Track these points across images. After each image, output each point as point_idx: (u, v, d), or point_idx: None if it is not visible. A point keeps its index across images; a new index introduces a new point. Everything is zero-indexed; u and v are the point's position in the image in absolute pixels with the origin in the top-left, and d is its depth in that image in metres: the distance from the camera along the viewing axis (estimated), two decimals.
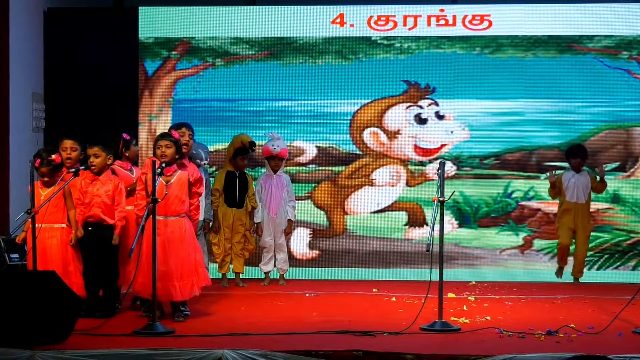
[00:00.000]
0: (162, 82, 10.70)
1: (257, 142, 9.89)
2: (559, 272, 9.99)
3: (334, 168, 10.60)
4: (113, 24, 10.79)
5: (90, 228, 7.70)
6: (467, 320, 7.57)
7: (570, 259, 9.94)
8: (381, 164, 10.57)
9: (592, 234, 9.97)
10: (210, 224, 9.48)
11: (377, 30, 10.51)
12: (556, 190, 9.89)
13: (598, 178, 9.85)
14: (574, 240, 9.85)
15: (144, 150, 10.32)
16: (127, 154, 8.31)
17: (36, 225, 7.30)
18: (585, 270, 9.97)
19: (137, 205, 7.58)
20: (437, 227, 7.34)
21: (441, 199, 7.30)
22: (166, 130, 8.03)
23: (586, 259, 9.98)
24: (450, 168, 10.35)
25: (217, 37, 10.64)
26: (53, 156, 7.61)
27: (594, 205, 10.06)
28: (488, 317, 7.77)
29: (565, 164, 10.10)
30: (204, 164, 9.24)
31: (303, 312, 8.09)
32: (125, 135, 8.28)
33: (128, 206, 7.82)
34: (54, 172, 7.61)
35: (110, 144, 7.93)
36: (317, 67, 10.59)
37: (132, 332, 6.93)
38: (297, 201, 9.99)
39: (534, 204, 10.44)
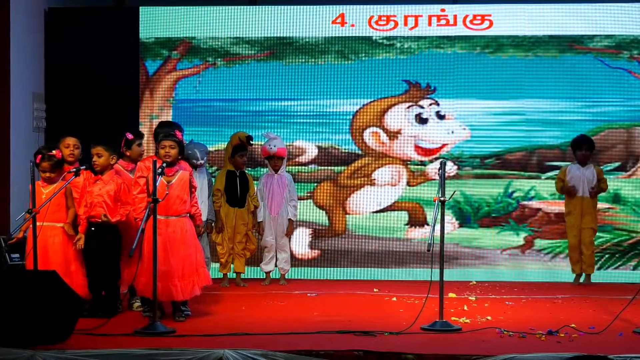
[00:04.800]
0: (162, 82, 10.70)
1: (257, 143, 9.91)
2: (575, 280, 9.93)
3: (334, 168, 10.61)
4: (114, 24, 10.79)
5: (93, 228, 7.71)
6: (467, 320, 7.57)
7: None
8: (382, 163, 10.58)
9: None
10: (213, 224, 9.48)
11: (378, 30, 10.51)
12: (561, 184, 9.83)
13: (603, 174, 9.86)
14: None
15: (145, 150, 10.30)
16: (128, 154, 8.26)
17: (38, 223, 7.33)
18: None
19: (136, 210, 7.59)
20: (437, 227, 7.34)
21: (442, 198, 7.30)
22: (168, 129, 7.98)
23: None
24: (451, 168, 10.35)
25: (218, 37, 10.65)
26: (54, 151, 7.64)
27: None
28: (489, 317, 7.77)
29: (566, 163, 10.09)
30: (200, 164, 9.16)
31: (304, 312, 8.10)
32: (128, 135, 8.25)
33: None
34: (55, 167, 7.63)
35: (114, 143, 7.94)
36: (318, 67, 10.59)
37: (133, 332, 6.94)
38: (298, 201, 9.98)
39: (534, 203, 10.44)
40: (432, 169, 10.47)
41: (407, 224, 10.55)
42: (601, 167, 10.03)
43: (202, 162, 9.17)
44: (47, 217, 7.51)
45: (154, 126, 9.12)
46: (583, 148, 9.82)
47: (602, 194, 10.01)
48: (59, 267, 7.41)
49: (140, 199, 7.56)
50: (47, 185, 7.64)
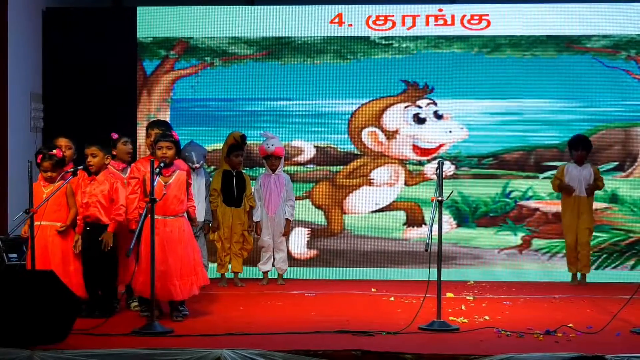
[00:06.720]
0: (160, 82, 10.70)
1: (254, 142, 9.92)
2: (572, 279, 9.95)
3: (332, 168, 10.60)
4: (111, 24, 10.78)
5: (88, 228, 7.71)
6: (465, 320, 7.57)
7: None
8: (379, 163, 10.58)
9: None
10: (210, 224, 9.48)
11: (376, 30, 10.51)
12: (558, 182, 9.84)
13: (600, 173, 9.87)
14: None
15: (142, 150, 10.31)
16: (114, 153, 8.24)
17: (37, 223, 7.36)
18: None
19: (128, 209, 7.60)
20: (435, 226, 7.34)
21: (440, 198, 7.30)
22: (162, 127, 7.98)
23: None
24: (448, 168, 10.35)
25: (216, 37, 10.64)
26: (54, 150, 7.68)
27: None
28: (486, 317, 7.77)
29: (564, 163, 10.09)
30: (196, 167, 9.12)
31: (301, 312, 8.10)
32: (113, 135, 8.23)
33: None
34: (56, 167, 7.67)
35: (108, 143, 7.96)
36: (316, 66, 10.59)
37: (131, 332, 6.94)
38: (295, 201, 9.97)
39: (532, 203, 10.44)
40: (430, 168, 10.48)
41: (404, 224, 10.55)
42: (598, 167, 10.04)
43: (198, 165, 9.17)
44: (48, 216, 7.55)
45: None
46: (579, 147, 9.83)
47: (600, 193, 10.04)
48: (59, 267, 7.45)
49: (132, 200, 7.58)
50: (48, 185, 7.69)
